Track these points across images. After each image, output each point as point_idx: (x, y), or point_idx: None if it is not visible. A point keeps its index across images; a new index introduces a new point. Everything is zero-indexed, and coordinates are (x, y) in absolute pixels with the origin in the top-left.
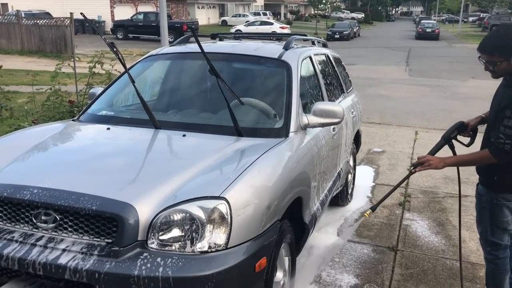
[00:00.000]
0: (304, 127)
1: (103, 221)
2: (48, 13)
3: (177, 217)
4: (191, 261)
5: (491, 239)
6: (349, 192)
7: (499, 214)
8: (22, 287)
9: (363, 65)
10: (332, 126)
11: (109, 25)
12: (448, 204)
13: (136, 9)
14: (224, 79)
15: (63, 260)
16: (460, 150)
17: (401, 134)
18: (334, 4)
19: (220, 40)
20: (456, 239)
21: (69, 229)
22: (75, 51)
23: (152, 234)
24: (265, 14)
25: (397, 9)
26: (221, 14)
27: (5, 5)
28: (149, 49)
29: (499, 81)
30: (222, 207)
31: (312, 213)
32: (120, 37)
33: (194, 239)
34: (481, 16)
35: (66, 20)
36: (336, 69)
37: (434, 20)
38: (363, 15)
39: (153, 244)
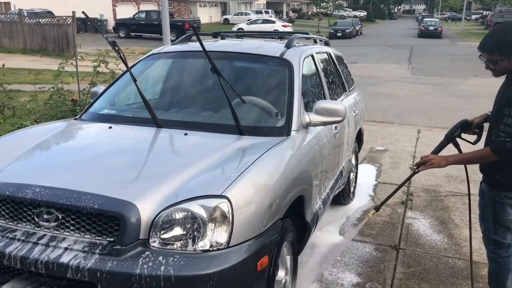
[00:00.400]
0: (306, 126)
1: (105, 220)
2: (50, 12)
3: (178, 215)
4: (192, 259)
5: (494, 238)
6: (351, 190)
7: (502, 212)
8: (25, 285)
9: (365, 63)
10: (334, 125)
11: (111, 24)
12: (451, 202)
13: (138, 8)
14: (226, 77)
15: (65, 259)
16: (467, 148)
17: (404, 133)
18: (336, 2)
19: (222, 38)
20: (458, 238)
21: (71, 227)
22: (78, 50)
23: (153, 233)
24: (267, 12)
25: (399, 7)
26: (223, 12)
27: (7, 4)
28: (151, 48)
29: (502, 79)
30: (224, 205)
31: (314, 211)
32: (122, 35)
33: (196, 237)
34: (484, 14)
35: (68, 18)
36: (338, 67)
37: (437, 18)
38: (365, 13)
39: (154, 243)
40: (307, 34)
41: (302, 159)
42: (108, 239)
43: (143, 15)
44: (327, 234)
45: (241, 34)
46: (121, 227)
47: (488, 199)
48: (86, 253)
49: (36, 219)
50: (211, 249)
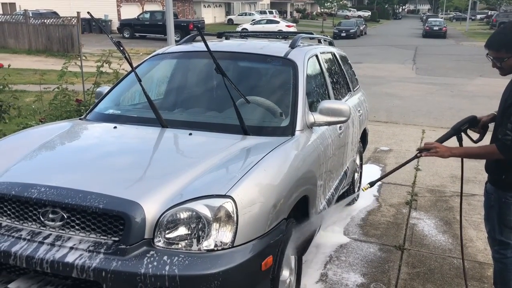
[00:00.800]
0: (310, 126)
1: (110, 219)
2: (55, 13)
3: (183, 215)
4: (197, 259)
5: (499, 238)
6: (356, 191)
7: (507, 212)
8: (30, 284)
9: (369, 64)
10: (339, 125)
11: (115, 24)
12: (455, 203)
13: (143, 8)
14: (230, 77)
15: (70, 258)
16: (468, 144)
17: (408, 133)
18: (341, 2)
19: (226, 38)
20: (464, 238)
21: (76, 227)
22: (82, 50)
23: (158, 232)
24: (271, 12)
25: (404, 7)
26: (227, 12)
27: (12, 5)
28: (156, 48)
29: (508, 79)
30: (228, 205)
31: (318, 211)
32: (126, 36)
33: (200, 237)
34: (489, 14)
35: (73, 19)
36: (342, 67)
37: (442, 18)
38: (369, 13)
39: (159, 243)
40: (312, 34)
41: (307, 159)
42: (113, 238)
43: (147, 16)
44: (332, 234)
45: (245, 34)
46: (126, 226)
47: (494, 199)
48: (91, 252)
49: (41, 218)
50: (215, 248)
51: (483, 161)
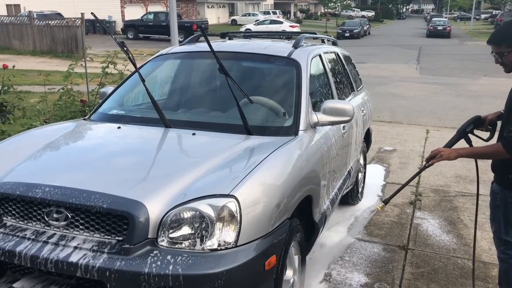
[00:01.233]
0: (314, 126)
1: (114, 219)
2: (59, 14)
3: (187, 215)
4: (201, 259)
5: (505, 238)
6: (360, 191)
7: None
8: (35, 284)
9: (373, 63)
10: (342, 125)
11: (119, 25)
12: (460, 203)
13: (146, 9)
14: (233, 77)
15: (74, 258)
16: (479, 145)
17: (412, 133)
18: (344, 3)
19: (230, 39)
20: (468, 238)
21: (80, 226)
22: (87, 51)
23: (162, 232)
24: (274, 13)
25: (408, 7)
26: (231, 13)
27: (17, 6)
28: (159, 49)
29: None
30: (232, 205)
31: (322, 211)
32: (130, 37)
33: (204, 237)
34: (494, 13)
35: (77, 20)
36: (346, 67)
37: (446, 17)
38: (373, 13)
39: (163, 242)
40: (315, 34)
41: (310, 159)
42: (117, 238)
43: (151, 17)
44: (335, 234)
45: (248, 34)
46: (130, 226)
47: (500, 199)
48: (95, 252)
49: (45, 218)
50: (219, 248)
51: (488, 161)
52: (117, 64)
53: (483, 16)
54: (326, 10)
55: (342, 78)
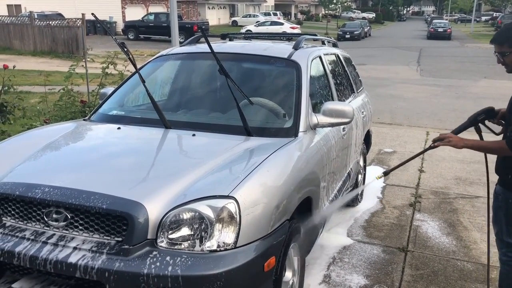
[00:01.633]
0: (314, 127)
1: (113, 220)
2: (60, 14)
3: (186, 216)
4: (200, 260)
5: (506, 240)
6: (359, 192)
7: None
8: (34, 284)
9: (373, 65)
10: (342, 126)
11: (120, 26)
12: (459, 205)
13: (147, 10)
14: (233, 79)
15: (73, 259)
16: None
17: (412, 135)
18: (345, 4)
19: (230, 40)
20: (467, 240)
21: (80, 227)
22: (88, 52)
23: (161, 233)
24: (275, 14)
25: (408, 8)
26: (232, 14)
27: (18, 7)
28: (160, 50)
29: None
30: (231, 206)
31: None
32: (131, 37)
33: (203, 238)
34: (494, 15)
35: (78, 21)
36: (346, 69)
37: (446, 19)
38: (374, 15)
39: (162, 243)
40: (315, 35)
41: (310, 160)
42: (116, 239)
43: (152, 17)
44: (335, 236)
45: (249, 35)
46: (129, 227)
47: (501, 200)
48: (94, 252)
49: (45, 218)
50: (218, 249)
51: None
52: (117, 64)
53: (483, 18)
54: (326, 12)
55: (342, 80)
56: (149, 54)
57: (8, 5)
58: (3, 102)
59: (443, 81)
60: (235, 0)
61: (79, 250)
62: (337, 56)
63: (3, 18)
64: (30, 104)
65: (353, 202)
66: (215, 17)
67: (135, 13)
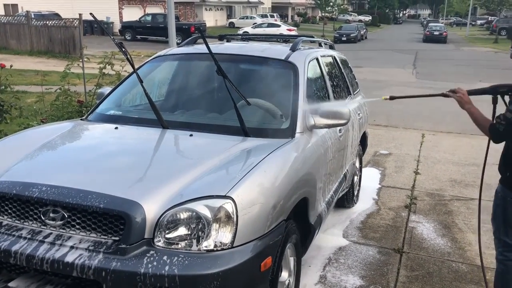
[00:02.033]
0: (311, 128)
1: (111, 219)
2: (57, 14)
3: (183, 215)
4: (197, 259)
5: (503, 239)
6: (355, 194)
7: None
8: (30, 283)
9: (370, 68)
10: (339, 128)
11: (117, 26)
12: (454, 207)
13: (144, 11)
14: (231, 79)
15: (70, 258)
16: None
17: (408, 137)
18: (342, 7)
19: (228, 41)
20: (462, 242)
21: (77, 226)
22: (84, 51)
23: (158, 232)
24: (272, 16)
25: (404, 12)
26: (229, 16)
27: (15, 6)
28: (157, 50)
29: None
30: (228, 206)
31: (317, 214)
32: (128, 38)
33: (200, 237)
34: (490, 19)
35: (75, 21)
36: (343, 70)
37: (442, 23)
38: (370, 18)
39: (159, 242)
40: (312, 37)
41: (307, 161)
42: (113, 238)
43: (149, 18)
44: (331, 237)
45: (246, 37)
46: (126, 226)
47: (500, 198)
48: (91, 252)
49: (42, 217)
50: (215, 249)
51: (483, 166)
52: (114, 65)
53: (479, 22)
54: (323, 14)
55: (339, 82)
56: (146, 54)
57: (5, 5)
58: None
59: (439, 84)
60: (232, 1)
61: (76, 249)
62: (334, 58)
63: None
64: (27, 103)
65: (349, 204)
66: (212, 18)
67: (132, 14)
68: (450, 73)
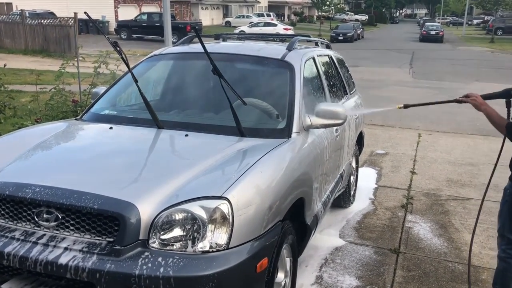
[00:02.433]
0: (307, 128)
1: (105, 220)
2: (52, 13)
3: (178, 216)
4: (192, 261)
5: (508, 236)
6: (352, 194)
7: None
8: (23, 285)
9: (366, 67)
10: (335, 128)
11: (113, 25)
12: (451, 207)
13: (140, 10)
14: (227, 79)
15: (64, 259)
16: None
17: (404, 137)
18: (338, 6)
19: (224, 40)
20: (459, 242)
21: (71, 227)
22: (79, 51)
23: (153, 233)
24: (268, 15)
25: (401, 11)
26: (225, 15)
27: (9, 5)
28: (153, 50)
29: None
30: (224, 207)
31: (314, 214)
32: (123, 37)
33: (196, 239)
34: (486, 19)
35: (70, 20)
36: (339, 70)
37: (438, 22)
38: (367, 17)
39: (154, 244)
40: (309, 37)
41: (303, 161)
42: (107, 239)
43: (145, 17)
44: (327, 237)
45: (242, 36)
46: (121, 227)
47: (508, 194)
48: (85, 253)
49: (35, 218)
50: (210, 250)
51: (479, 166)
52: (109, 64)
53: (475, 21)
54: (320, 13)
55: (335, 81)
56: (142, 54)
57: None
58: None
59: (435, 83)
60: (228, 0)
61: (70, 250)
62: (330, 58)
63: None
64: (21, 103)
65: (346, 204)
66: (208, 17)
67: (128, 13)
68: (447, 73)
